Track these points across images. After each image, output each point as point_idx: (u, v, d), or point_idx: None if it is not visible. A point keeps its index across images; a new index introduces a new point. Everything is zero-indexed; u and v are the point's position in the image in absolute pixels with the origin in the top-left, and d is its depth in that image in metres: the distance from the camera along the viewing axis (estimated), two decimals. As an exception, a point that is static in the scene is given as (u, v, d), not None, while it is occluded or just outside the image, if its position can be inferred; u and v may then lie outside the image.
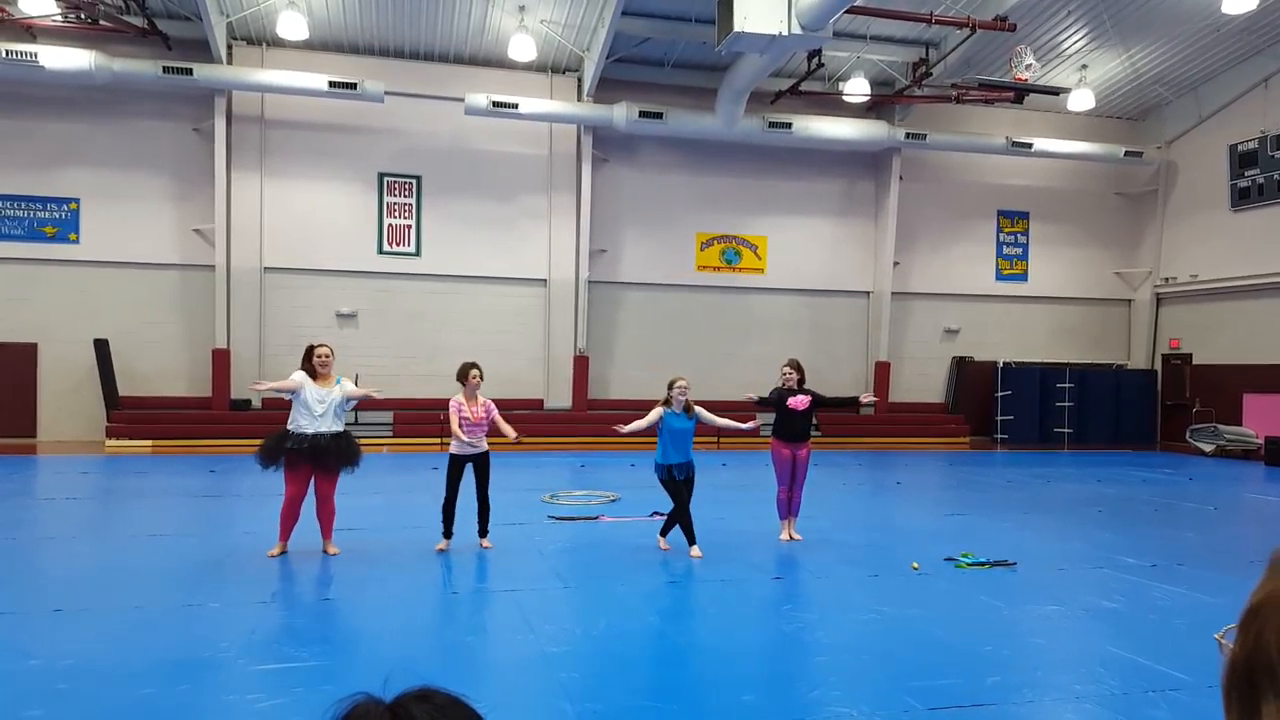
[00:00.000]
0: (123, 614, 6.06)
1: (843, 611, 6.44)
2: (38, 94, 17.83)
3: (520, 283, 20.30)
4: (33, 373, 18.26)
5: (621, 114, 19.19)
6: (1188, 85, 21.54)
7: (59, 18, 16.66)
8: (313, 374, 8.03)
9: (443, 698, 1.02)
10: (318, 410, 7.87)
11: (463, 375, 8.39)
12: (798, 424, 8.88)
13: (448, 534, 8.28)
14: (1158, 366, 23.37)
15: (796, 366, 9.03)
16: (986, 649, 5.56)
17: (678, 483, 8.29)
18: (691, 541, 8.29)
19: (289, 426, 7.89)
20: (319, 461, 7.87)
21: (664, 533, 8.58)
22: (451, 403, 8.30)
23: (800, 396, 8.86)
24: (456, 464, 8.27)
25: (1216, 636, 1.24)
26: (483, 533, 8.45)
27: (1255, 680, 1.07)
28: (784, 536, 8.99)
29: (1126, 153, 22.24)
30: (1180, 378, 22.73)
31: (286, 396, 8.00)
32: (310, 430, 7.82)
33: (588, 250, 20.04)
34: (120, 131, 18.43)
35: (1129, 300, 23.92)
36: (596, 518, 10.26)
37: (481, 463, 8.35)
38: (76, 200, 18.32)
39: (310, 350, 8.11)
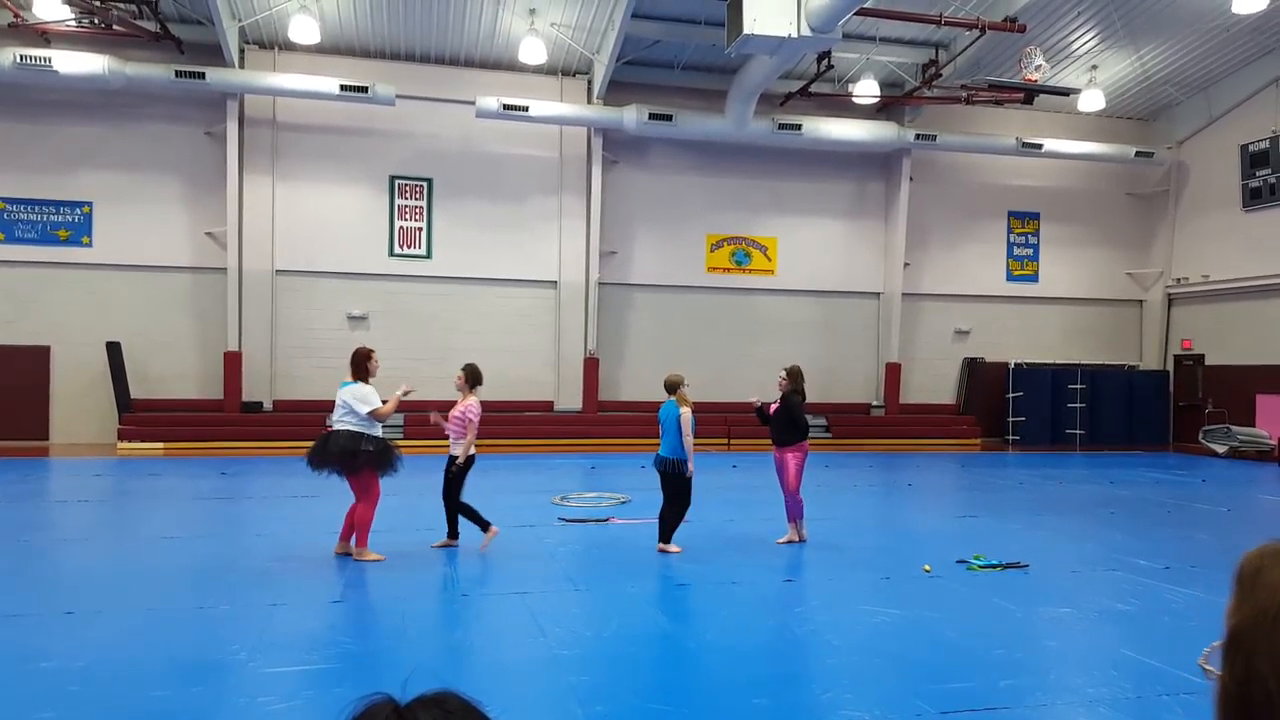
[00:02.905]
0: (135, 616, 6.09)
1: (854, 614, 6.42)
2: (52, 98, 17.95)
3: (531, 284, 20.32)
4: (46, 375, 18.36)
5: (631, 116, 19.20)
6: (1198, 85, 21.43)
7: (73, 23, 16.76)
8: (364, 377, 7.98)
9: (456, 703, 1.01)
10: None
11: (480, 377, 8.58)
12: (771, 427, 9.01)
13: (485, 527, 8.30)
14: (1170, 367, 23.25)
15: (788, 373, 9.13)
16: (999, 652, 5.55)
17: None
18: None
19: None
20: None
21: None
22: (476, 405, 8.33)
23: (775, 402, 9.06)
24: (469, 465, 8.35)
25: (1200, 662, 1.18)
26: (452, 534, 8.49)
27: (1253, 712, 1.03)
28: (780, 540, 8.92)
29: (1137, 153, 22.13)
30: (1193, 379, 22.60)
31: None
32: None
33: (598, 252, 20.05)
34: (133, 135, 18.54)
35: (1141, 301, 23.81)
36: (607, 520, 10.26)
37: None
38: (89, 203, 18.43)
39: (368, 354, 8.01)
